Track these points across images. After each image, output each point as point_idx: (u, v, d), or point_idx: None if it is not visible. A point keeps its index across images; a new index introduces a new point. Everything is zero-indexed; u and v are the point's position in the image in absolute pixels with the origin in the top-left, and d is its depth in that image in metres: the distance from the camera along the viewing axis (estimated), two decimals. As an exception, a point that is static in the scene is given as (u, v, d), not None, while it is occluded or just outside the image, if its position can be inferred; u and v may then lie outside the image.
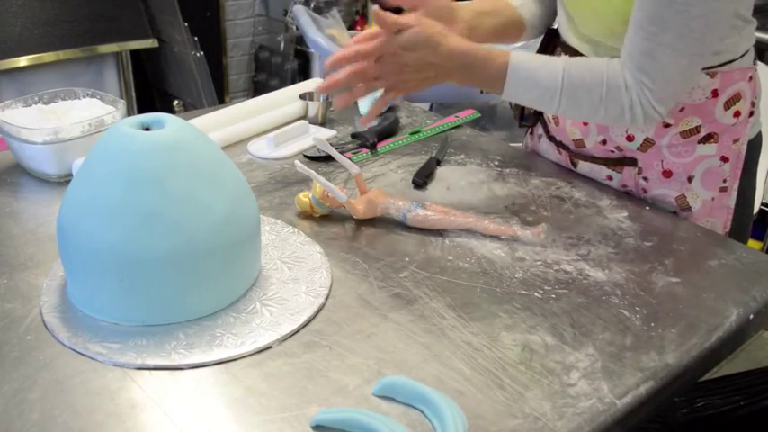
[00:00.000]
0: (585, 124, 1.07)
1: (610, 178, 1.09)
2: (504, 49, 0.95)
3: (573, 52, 1.05)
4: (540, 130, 1.22)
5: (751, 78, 1.00)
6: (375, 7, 0.89)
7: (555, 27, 1.15)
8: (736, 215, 1.06)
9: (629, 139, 1.03)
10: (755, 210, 1.83)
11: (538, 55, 0.97)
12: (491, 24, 1.08)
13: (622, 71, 0.91)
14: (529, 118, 1.23)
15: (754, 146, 1.07)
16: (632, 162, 1.05)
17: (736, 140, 1.01)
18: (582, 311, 0.80)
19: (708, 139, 1.00)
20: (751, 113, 1.02)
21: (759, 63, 1.06)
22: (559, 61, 0.94)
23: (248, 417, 0.64)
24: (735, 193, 1.06)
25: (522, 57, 0.94)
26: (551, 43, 1.14)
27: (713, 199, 1.03)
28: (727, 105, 0.98)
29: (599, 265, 0.89)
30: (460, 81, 0.97)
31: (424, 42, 0.91)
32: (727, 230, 1.06)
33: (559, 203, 1.04)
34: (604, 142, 1.06)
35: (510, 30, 1.12)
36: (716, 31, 0.88)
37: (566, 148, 1.14)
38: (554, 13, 1.14)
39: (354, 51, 0.92)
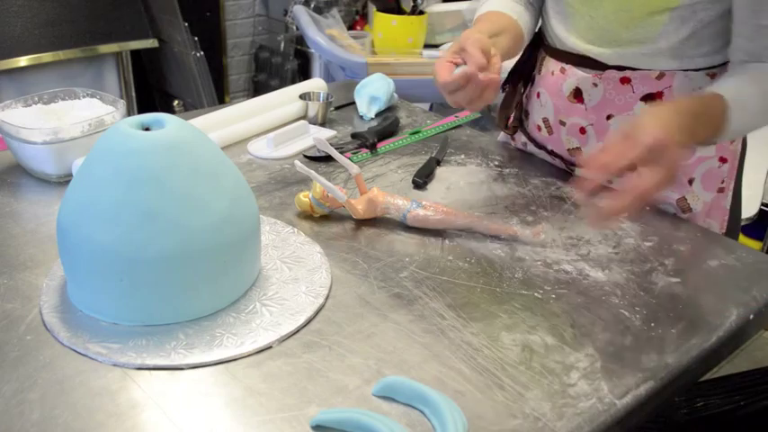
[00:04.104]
0: (583, 132, 1.07)
1: (609, 181, 1.09)
2: (703, 91, 0.90)
3: (565, 56, 1.05)
4: (522, 137, 1.22)
5: None
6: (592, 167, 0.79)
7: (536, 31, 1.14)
8: (729, 216, 1.07)
9: None
10: (755, 210, 1.84)
11: (730, 83, 0.90)
12: (506, 44, 1.03)
13: None
14: (509, 126, 1.22)
15: (742, 146, 1.08)
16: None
17: (732, 141, 1.02)
18: (582, 311, 0.80)
19: None
20: None
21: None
22: (747, 80, 0.90)
23: (248, 417, 0.64)
24: (731, 194, 1.06)
25: (725, 89, 0.88)
26: (535, 50, 1.13)
27: (711, 200, 1.04)
28: None
29: (599, 265, 0.89)
30: (689, 142, 0.83)
31: (677, 133, 0.78)
32: (724, 231, 1.06)
33: (559, 203, 1.04)
34: None
35: (516, 47, 1.08)
36: None
37: (558, 156, 1.14)
38: (538, 19, 1.13)
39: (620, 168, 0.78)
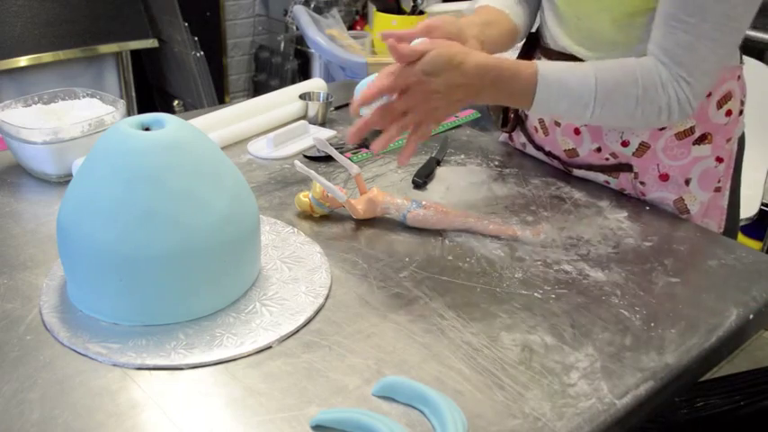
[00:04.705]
0: (578, 133, 1.07)
1: (607, 183, 1.09)
2: (530, 61, 0.90)
3: (558, 56, 1.05)
4: (522, 138, 1.21)
5: (739, 77, 1.01)
6: (390, 41, 0.84)
7: (533, 32, 1.14)
8: (728, 215, 1.07)
9: (625, 144, 1.03)
10: (755, 210, 1.84)
11: (566, 62, 0.92)
12: (495, 36, 1.04)
13: (656, 68, 0.87)
14: (508, 123, 1.22)
15: (740, 145, 1.07)
16: (628, 168, 1.05)
17: (728, 140, 1.02)
18: (582, 311, 0.80)
19: (702, 139, 1.00)
20: (740, 112, 1.02)
21: (758, 63, 1.07)
22: (589, 66, 0.90)
23: (248, 417, 0.64)
24: (727, 193, 1.06)
25: (551, 66, 0.89)
26: (531, 49, 1.14)
27: (708, 200, 1.04)
28: (720, 104, 0.99)
29: (599, 265, 0.89)
30: (489, 98, 0.91)
31: (446, 64, 0.84)
32: (722, 231, 1.07)
33: (559, 203, 1.04)
34: (599, 150, 1.06)
35: (507, 39, 1.08)
36: (749, 19, 0.86)
37: (556, 157, 1.13)
38: (535, 15, 1.13)
39: (377, 89, 0.85)
